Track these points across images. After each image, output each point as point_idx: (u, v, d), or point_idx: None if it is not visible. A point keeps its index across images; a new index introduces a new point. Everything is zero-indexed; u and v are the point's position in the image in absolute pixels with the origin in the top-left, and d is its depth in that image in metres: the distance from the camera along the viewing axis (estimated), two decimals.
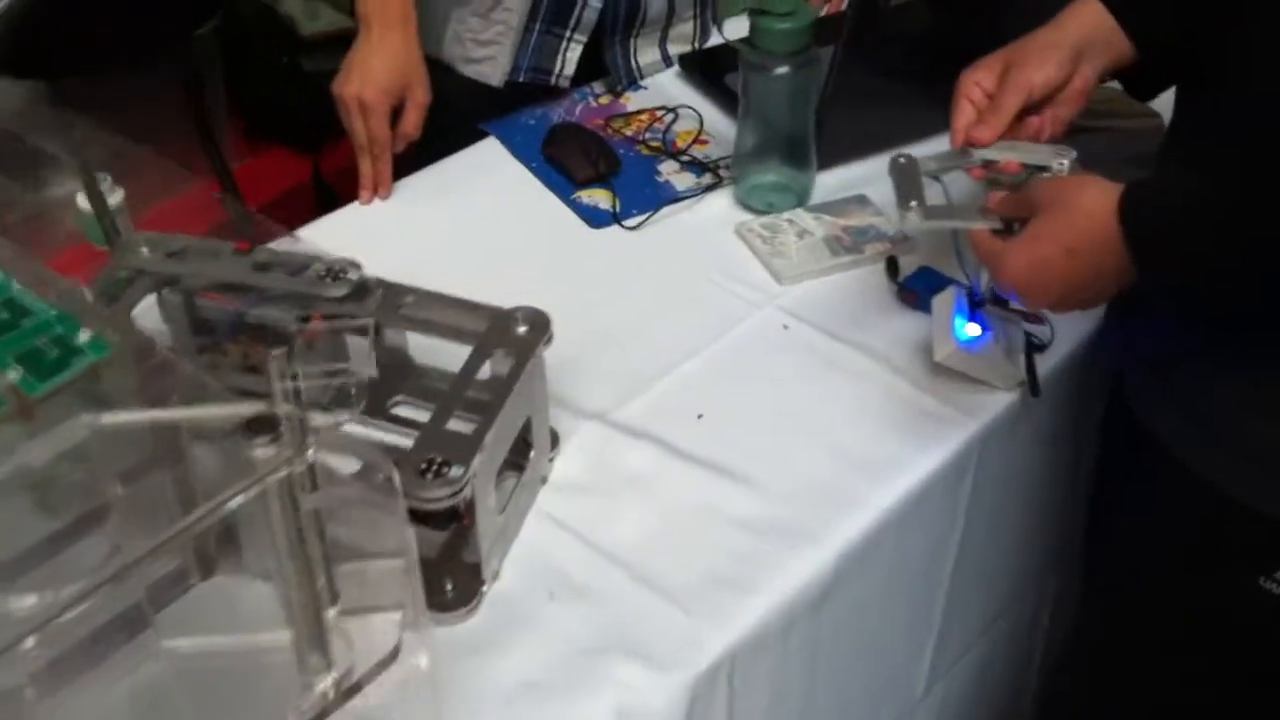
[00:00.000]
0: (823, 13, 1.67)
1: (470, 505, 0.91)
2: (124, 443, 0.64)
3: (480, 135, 1.52)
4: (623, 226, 1.38)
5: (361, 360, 1.14)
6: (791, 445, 1.14)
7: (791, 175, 1.39)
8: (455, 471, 0.88)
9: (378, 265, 1.30)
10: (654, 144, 1.48)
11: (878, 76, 1.39)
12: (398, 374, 1.14)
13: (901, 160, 1.16)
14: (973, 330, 1.17)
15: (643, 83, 1.60)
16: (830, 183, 1.42)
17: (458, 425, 0.96)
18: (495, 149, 1.51)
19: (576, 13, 1.51)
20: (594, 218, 1.39)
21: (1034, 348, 1.20)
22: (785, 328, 1.26)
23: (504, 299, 1.26)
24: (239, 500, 0.59)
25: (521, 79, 1.55)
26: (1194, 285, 0.95)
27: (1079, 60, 1.14)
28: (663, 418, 1.16)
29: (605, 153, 1.45)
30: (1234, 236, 0.90)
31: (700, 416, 1.17)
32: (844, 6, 1.55)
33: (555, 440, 1.12)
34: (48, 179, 1.98)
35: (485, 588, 1.00)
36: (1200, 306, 1.01)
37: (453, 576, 0.99)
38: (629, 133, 1.51)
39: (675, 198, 1.41)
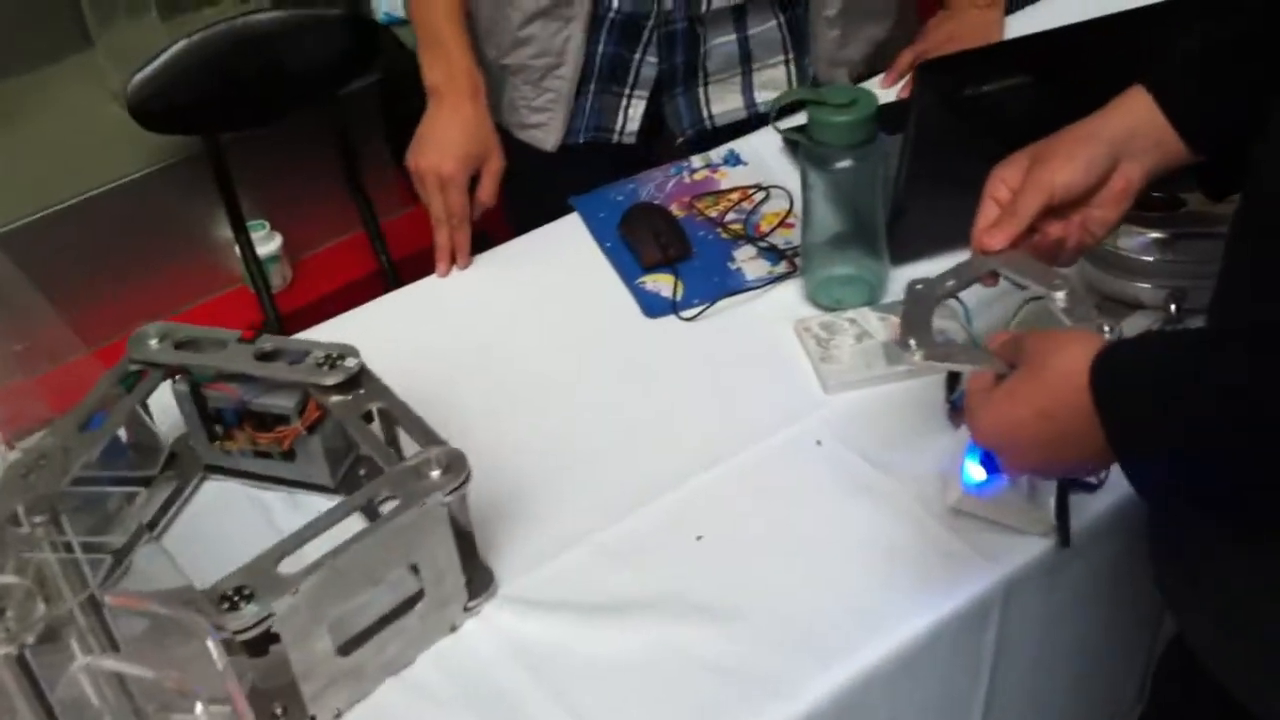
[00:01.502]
0: (896, 95, 1.56)
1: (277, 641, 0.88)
2: None
3: (549, 202, 1.49)
4: (679, 317, 1.32)
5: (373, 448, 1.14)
6: (789, 580, 1.05)
7: (860, 268, 1.29)
8: (251, 609, 0.85)
9: (429, 339, 1.32)
10: (734, 227, 1.41)
11: (966, 163, 1.27)
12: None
13: (918, 287, 1.05)
14: (977, 474, 1.04)
15: (744, 157, 1.52)
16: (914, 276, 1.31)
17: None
18: (580, 224, 1.48)
19: (634, 71, 1.48)
20: (652, 306, 1.33)
21: (1072, 489, 1.06)
22: (818, 444, 1.17)
23: (536, 388, 1.25)
24: None
25: (581, 140, 1.52)
26: (1172, 469, 0.80)
27: (1117, 158, 1.00)
28: (660, 536, 1.10)
29: (677, 236, 1.39)
30: (1214, 419, 0.76)
31: (700, 538, 1.10)
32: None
33: (488, 583, 1.06)
34: (210, 226, 2.09)
35: None
36: (1202, 502, 0.86)
37: (285, 700, 0.95)
38: (713, 213, 1.44)
39: (738, 289, 1.33)
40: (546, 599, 1.05)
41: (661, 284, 1.36)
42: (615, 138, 1.52)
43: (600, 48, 1.48)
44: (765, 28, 1.51)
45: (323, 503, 1.13)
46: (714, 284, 1.35)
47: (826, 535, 1.09)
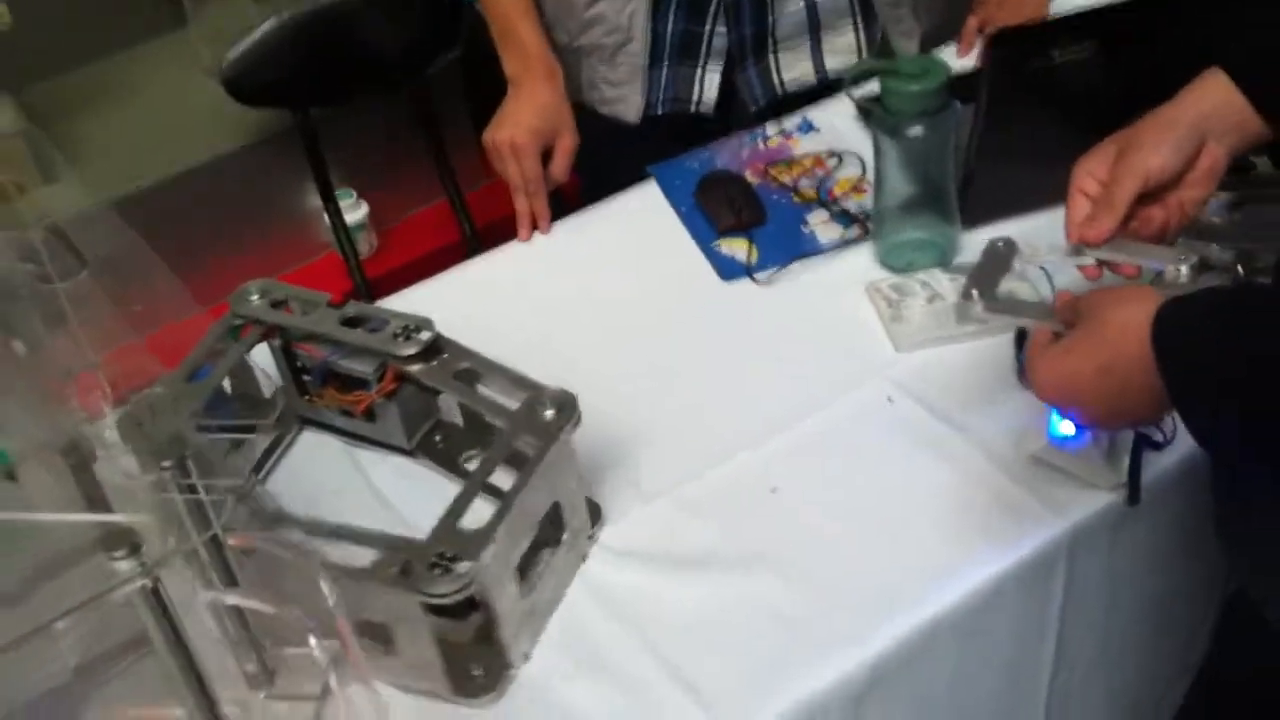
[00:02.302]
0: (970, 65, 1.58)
1: (483, 595, 0.94)
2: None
3: (636, 174, 1.54)
4: (754, 280, 1.36)
5: (448, 412, 1.20)
6: (860, 532, 1.10)
7: (932, 232, 1.32)
8: (463, 566, 0.91)
9: (512, 301, 1.38)
10: (808, 192, 1.45)
11: (1037, 130, 1.30)
12: (476, 428, 1.19)
13: (1000, 245, 1.09)
14: (1066, 428, 1.08)
15: (816, 124, 1.56)
16: (984, 242, 1.34)
17: (484, 509, 0.99)
18: (658, 191, 1.52)
19: (705, 43, 1.52)
20: (727, 269, 1.38)
21: (1144, 447, 1.09)
22: (890, 401, 1.21)
23: (616, 351, 1.30)
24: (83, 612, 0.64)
25: (660, 111, 1.57)
26: (1237, 423, 0.83)
27: (1201, 139, 1.02)
28: (736, 491, 1.15)
29: (750, 201, 1.43)
30: (1274, 371, 0.79)
31: (774, 490, 1.14)
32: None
33: (598, 515, 1.12)
34: (301, 196, 2.16)
35: (512, 672, 1.02)
36: (1258, 452, 0.88)
37: (482, 661, 1.01)
38: (787, 179, 1.47)
39: (811, 252, 1.37)
40: (630, 549, 1.11)
41: (736, 248, 1.40)
42: (693, 108, 1.57)
43: (670, 24, 1.52)
44: None
45: (406, 461, 1.20)
46: (787, 248, 1.38)
47: (897, 489, 1.13)
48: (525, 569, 1.03)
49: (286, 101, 1.97)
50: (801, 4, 1.54)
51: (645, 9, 1.50)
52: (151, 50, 2.23)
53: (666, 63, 1.54)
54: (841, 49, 1.59)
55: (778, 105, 1.61)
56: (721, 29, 1.52)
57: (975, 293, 1.02)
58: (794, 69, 1.60)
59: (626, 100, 1.57)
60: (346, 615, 0.89)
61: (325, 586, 0.76)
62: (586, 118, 1.54)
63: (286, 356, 1.19)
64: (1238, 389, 0.81)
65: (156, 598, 0.68)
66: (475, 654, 1.01)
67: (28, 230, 1.03)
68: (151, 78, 2.20)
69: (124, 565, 0.66)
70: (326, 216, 2.08)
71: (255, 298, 1.19)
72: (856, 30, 1.58)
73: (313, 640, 0.77)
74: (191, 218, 1.98)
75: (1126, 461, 1.08)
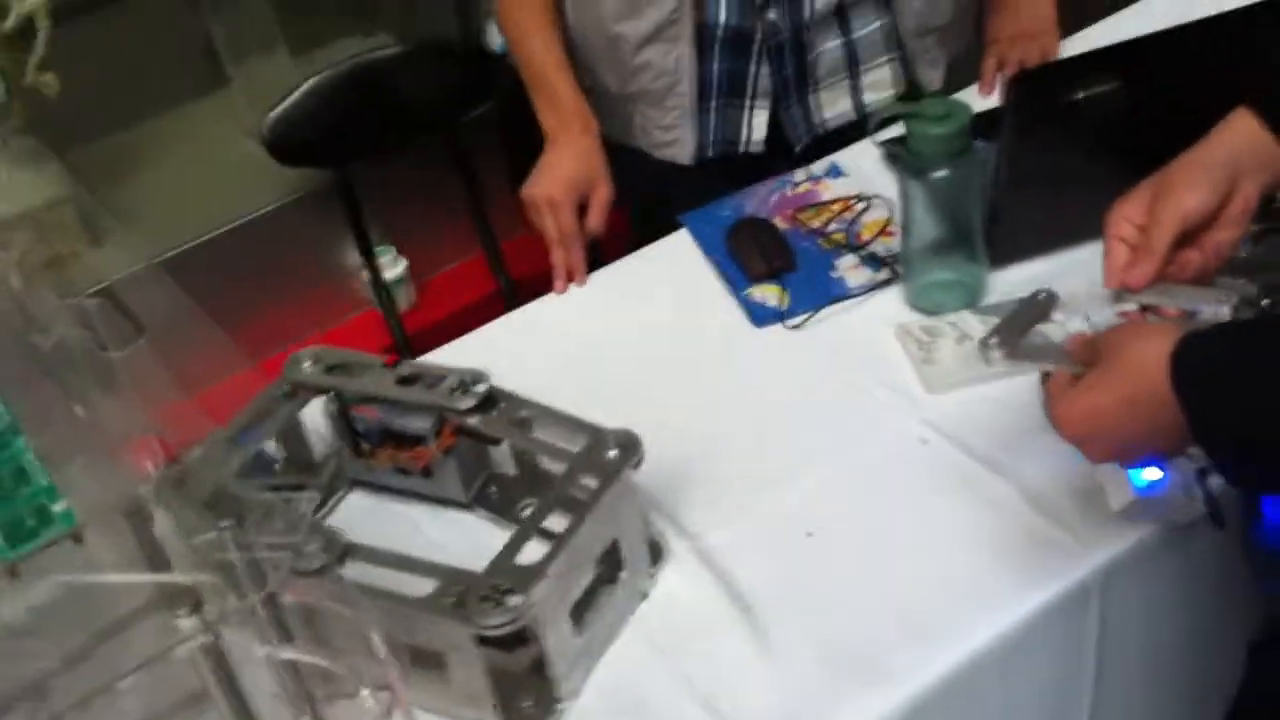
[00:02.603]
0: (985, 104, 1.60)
1: (534, 629, 0.97)
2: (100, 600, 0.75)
3: None
4: (785, 325, 1.38)
5: (502, 463, 1.23)
6: (896, 573, 1.12)
7: (960, 273, 1.34)
8: (514, 600, 0.95)
9: (549, 353, 1.41)
10: (836, 237, 1.47)
11: (1062, 168, 1.32)
12: (531, 477, 1.21)
13: (1041, 295, 1.11)
14: (1152, 474, 1.05)
15: (844, 169, 1.58)
16: (1012, 281, 1.36)
17: (540, 546, 1.02)
18: (689, 240, 1.55)
19: (751, 83, 1.55)
20: (759, 315, 1.40)
21: (1206, 472, 1.10)
22: (924, 442, 1.23)
23: (652, 396, 1.33)
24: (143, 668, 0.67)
25: (711, 154, 1.60)
26: (1253, 453, 0.85)
27: (1234, 179, 1.04)
28: (773, 533, 1.17)
29: (781, 249, 1.46)
30: None
31: (810, 535, 1.16)
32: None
33: (659, 553, 1.15)
34: (340, 252, 2.21)
35: (560, 705, 1.04)
36: (1271, 483, 0.90)
37: (533, 693, 1.04)
38: (816, 224, 1.50)
39: (842, 297, 1.40)
40: (667, 593, 1.13)
41: (768, 294, 1.43)
42: (742, 148, 1.60)
43: (715, 65, 1.56)
44: (869, 30, 1.57)
45: (460, 514, 1.23)
46: (818, 293, 1.41)
47: (932, 529, 1.15)
48: (582, 606, 1.06)
49: (326, 160, 2.03)
50: (839, 41, 1.57)
51: (691, 52, 1.54)
52: (193, 111, 2.29)
53: (714, 104, 1.57)
54: (879, 84, 1.62)
55: (821, 142, 1.65)
56: (765, 69, 1.55)
57: (995, 340, 1.04)
58: (834, 106, 1.63)
59: (679, 143, 1.60)
60: (402, 643, 0.93)
61: (376, 641, 0.79)
62: (638, 160, 1.59)
63: (343, 418, 1.22)
64: (1258, 421, 0.83)
65: (217, 653, 0.71)
66: (526, 685, 1.04)
67: (82, 297, 1.07)
68: (193, 138, 2.26)
69: (186, 623, 0.70)
70: (366, 272, 2.13)
71: (308, 364, 1.22)
72: (892, 63, 1.60)
73: (365, 692, 0.79)
74: (233, 276, 2.03)
75: (1198, 491, 1.07)
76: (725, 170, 1.63)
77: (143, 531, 0.78)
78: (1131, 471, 1.05)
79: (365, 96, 2.00)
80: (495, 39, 2.50)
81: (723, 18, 1.51)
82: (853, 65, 1.60)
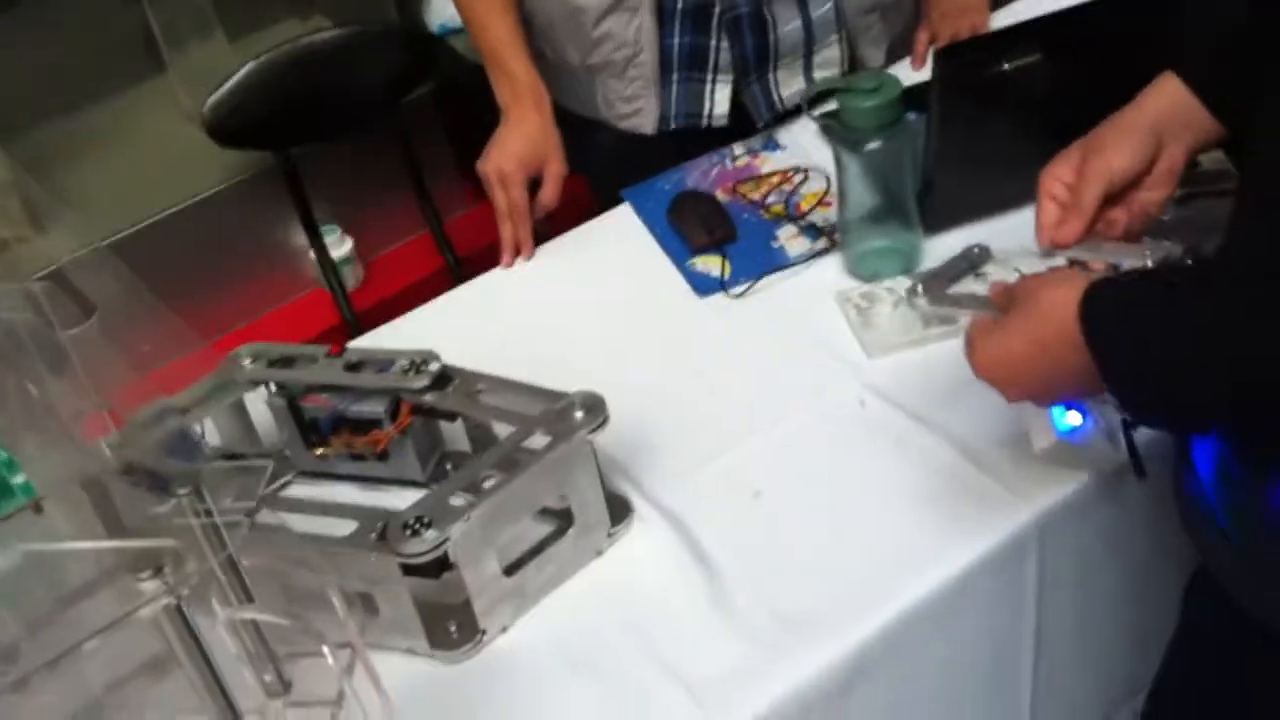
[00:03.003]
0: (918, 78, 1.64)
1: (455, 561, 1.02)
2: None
3: None
4: (728, 294, 1.42)
5: (455, 440, 1.26)
6: (839, 529, 1.15)
7: (896, 240, 1.38)
8: (431, 534, 0.99)
9: (498, 327, 1.43)
10: (776, 208, 1.51)
11: (990, 137, 1.36)
12: (481, 452, 1.22)
13: (975, 249, 1.16)
14: (1073, 419, 1.11)
15: (782, 142, 1.62)
16: (947, 246, 1.40)
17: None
18: (632, 214, 1.58)
19: (712, 55, 1.57)
20: (702, 285, 1.43)
21: (1130, 425, 1.15)
22: (862, 403, 1.26)
23: (599, 366, 1.34)
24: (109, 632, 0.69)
25: (673, 126, 1.62)
26: (1163, 395, 0.89)
27: (1161, 141, 1.09)
28: (720, 495, 1.20)
29: (722, 219, 1.49)
30: (1192, 345, 0.85)
31: (757, 494, 1.20)
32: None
33: (624, 514, 1.18)
34: (286, 233, 2.22)
35: (483, 638, 1.09)
36: (1181, 423, 0.95)
37: (457, 619, 1.09)
38: (756, 196, 1.53)
39: (782, 266, 1.43)
40: (621, 553, 1.16)
41: (710, 265, 1.46)
42: (703, 121, 1.62)
43: (676, 39, 1.57)
44: (824, 10, 1.60)
45: (414, 494, 1.24)
46: (759, 262, 1.44)
47: (872, 486, 1.18)
48: (532, 550, 1.11)
49: (266, 143, 2.04)
50: (799, 21, 1.60)
51: (652, 23, 1.55)
52: (133, 97, 2.29)
53: (676, 76, 1.59)
54: (829, 63, 1.64)
55: (781, 119, 1.67)
56: (725, 44, 1.56)
57: (919, 288, 1.08)
58: (790, 84, 1.65)
59: (642, 113, 1.62)
60: (335, 585, 0.95)
61: (335, 599, 0.81)
62: (603, 131, 1.62)
63: (291, 411, 1.24)
64: (1159, 361, 0.87)
65: (181, 614, 0.73)
66: (455, 613, 1.08)
67: (29, 280, 1.08)
68: (134, 124, 2.25)
69: (150, 585, 0.71)
70: (312, 253, 2.14)
71: (248, 362, 1.24)
72: (841, 43, 1.63)
73: (326, 649, 0.82)
74: (179, 259, 2.03)
75: (1121, 441, 1.12)
76: (689, 142, 1.64)
77: (101, 501, 0.80)
78: (1055, 416, 1.11)
79: (304, 80, 2.02)
80: (433, 21, 2.52)
81: None
82: (809, 44, 1.62)
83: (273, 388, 1.24)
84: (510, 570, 1.09)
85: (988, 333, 1.00)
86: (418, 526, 1.00)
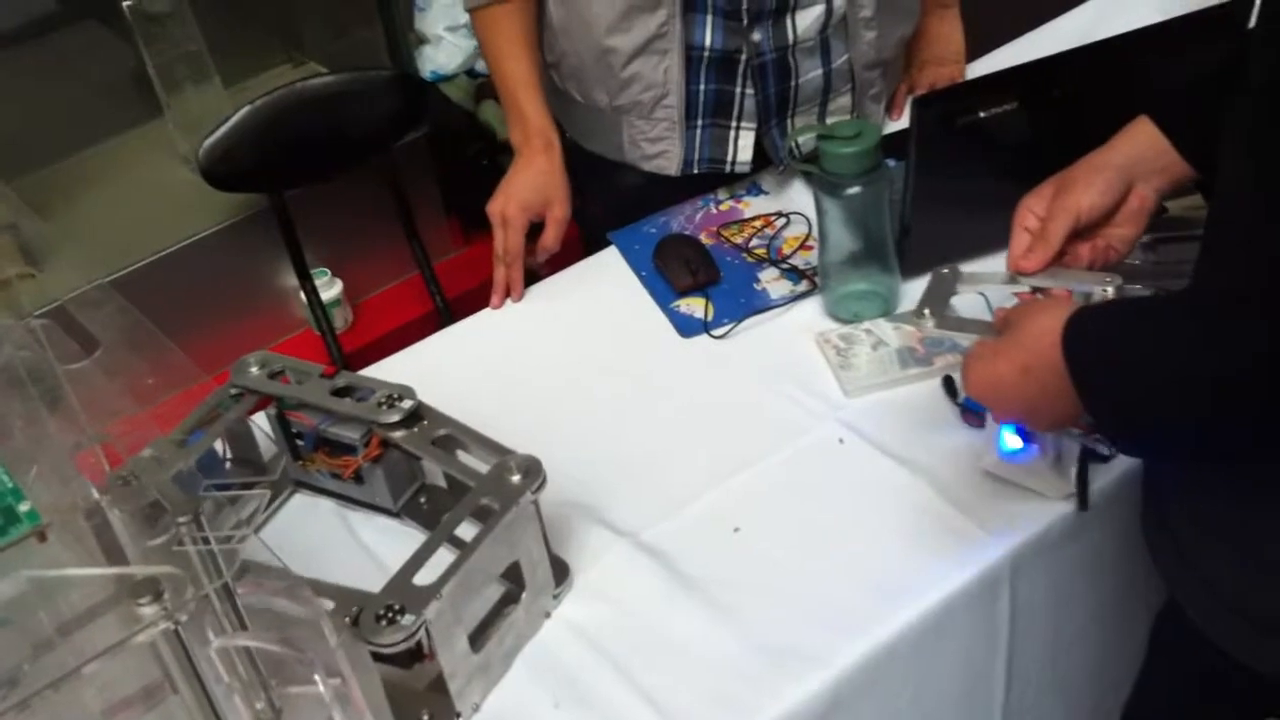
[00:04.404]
0: (896, 126, 1.69)
1: (430, 647, 1.01)
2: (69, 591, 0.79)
3: None
4: (711, 335, 1.45)
5: (434, 475, 1.28)
6: (817, 564, 1.18)
7: (875, 283, 1.41)
8: (408, 619, 0.98)
9: (486, 367, 1.46)
10: (759, 251, 1.55)
11: (966, 183, 1.40)
12: (455, 490, 1.24)
13: (944, 271, 1.21)
14: (1013, 442, 1.19)
15: (764, 187, 1.66)
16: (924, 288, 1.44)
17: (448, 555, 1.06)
18: (618, 257, 1.61)
19: (737, 104, 1.59)
20: (685, 326, 1.47)
21: (1090, 458, 1.19)
22: (841, 441, 1.30)
23: (586, 405, 1.39)
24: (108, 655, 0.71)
25: (696, 170, 1.64)
26: (1135, 419, 0.93)
27: (1131, 181, 1.14)
28: (702, 530, 1.23)
29: (706, 262, 1.52)
30: (1169, 374, 0.89)
31: (737, 530, 1.23)
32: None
33: (565, 574, 1.19)
34: (277, 274, 2.25)
35: None
36: (1156, 448, 0.99)
37: (430, 708, 1.08)
38: (739, 240, 1.57)
39: (764, 307, 1.46)
40: (604, 589, 1.19)
41: (694, 306, 1.49)
42: (727, 168, 1.64)
43: (702, 85, 1.59)
44: (841, 60, 1.63)
45: (389, 522, 1.28)
46: (741, 304, 1.48)
47: (850, 522, 1.22)
48: (485, 624, 1.11)
49: (259, 186, 2.07)
50: (820, 70, 1.62)
51: (679, 64, 1.57)
52: (129, 140, 2.32)
53: (701, 121, 1.61)
54: (840, 111, 1.67)
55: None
56: (750, 90, 1.58)
57: (927, 311, 1.13)
58: (806, 132, 1.67)
59: (666, 155, 1.63)
60: (326, 616, 0.95)
61: (327, 629, 0.84)
62: (627, 173, 1.65)
63: (281, 424, 1.27)
64: (1137, 388, 0.91)
65: (179, 639, 0.75)
66: (425, 701, 1.08)
67: (30, 318, 1.12)
68: (129, 166, 2.28)
69: (148, 611, 0.74)
70: (303, 294, 2.17)
71: (254, 369, 1.27)
72: (852, 92, 1.66)
73: (318, 678, 0.84)
74: (171, 300, 2.05)
75: (1074, 472, 1.17)
76: (710, 186, 1.68)
77: (103, 531, 0.83)
78: (1000, 437, 1.18)
79: (297, 124, 2.05)
80: (425, 67, 2.57)
81: (708, 40, 1.55)
82: (826, 92, 1.65)
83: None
84: (475, 645, 1.09)
85: (982, 355, 1.04)
86: (391, 614, 0.99)
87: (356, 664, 0.98)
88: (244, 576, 0.83)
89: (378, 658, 1.00)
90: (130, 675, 0.86)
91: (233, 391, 1.27)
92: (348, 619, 0.99)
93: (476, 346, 1.54)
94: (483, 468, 1.15)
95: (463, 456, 1.20)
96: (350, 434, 1.23)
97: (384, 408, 1.20)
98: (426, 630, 1.00)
